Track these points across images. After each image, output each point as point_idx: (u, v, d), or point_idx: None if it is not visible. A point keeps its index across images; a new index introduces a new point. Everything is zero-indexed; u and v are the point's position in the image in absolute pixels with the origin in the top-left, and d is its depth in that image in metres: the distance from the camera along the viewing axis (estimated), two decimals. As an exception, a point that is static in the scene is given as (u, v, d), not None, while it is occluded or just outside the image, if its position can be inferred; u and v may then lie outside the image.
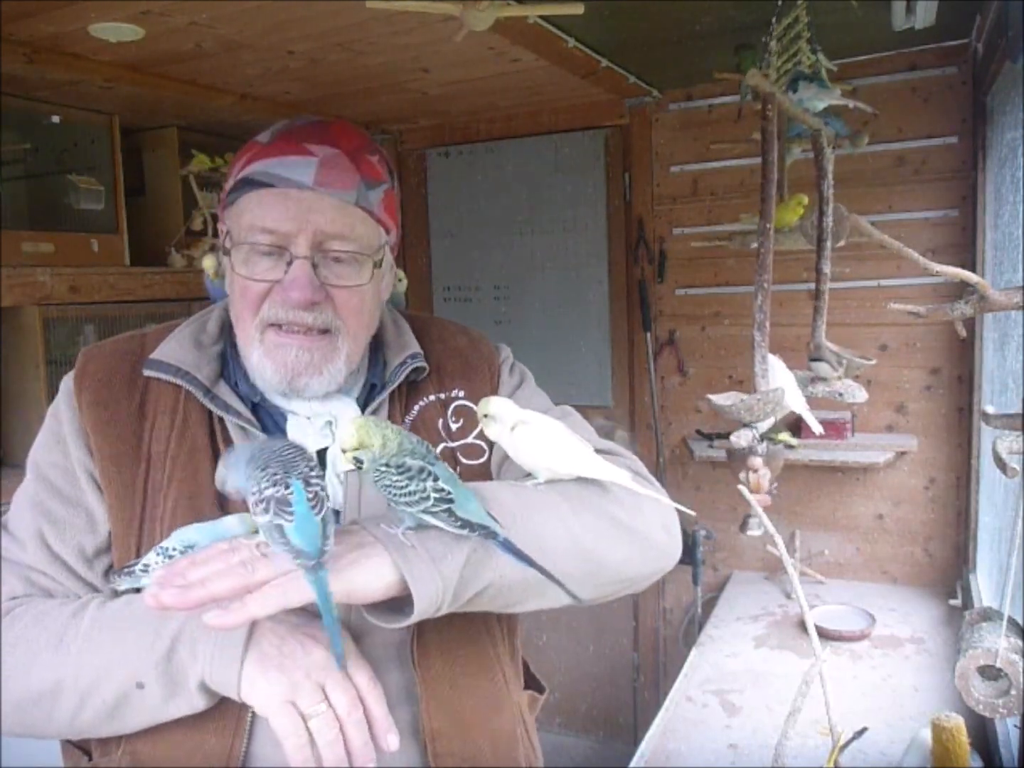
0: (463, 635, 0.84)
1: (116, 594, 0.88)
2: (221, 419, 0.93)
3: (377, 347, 1.02)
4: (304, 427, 0.94)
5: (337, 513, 0.92)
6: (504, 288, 2.79)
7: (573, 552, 0.84)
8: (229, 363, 0.97)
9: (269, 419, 0.95)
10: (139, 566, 0.85)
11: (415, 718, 0.89)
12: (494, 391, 1.05)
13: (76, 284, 2.02)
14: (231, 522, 0.84)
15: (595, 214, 2.64)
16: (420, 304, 2.93)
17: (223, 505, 0.89)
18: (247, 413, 0.93)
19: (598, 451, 0.96)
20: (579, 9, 1.48)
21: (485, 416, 0.88)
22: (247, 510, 0.84)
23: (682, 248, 2.49)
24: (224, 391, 0.94)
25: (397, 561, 0.74)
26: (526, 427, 0.87)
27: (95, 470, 0.91)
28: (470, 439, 1.00)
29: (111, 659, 0.80)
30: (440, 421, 1.01)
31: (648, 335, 2.57)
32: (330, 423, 0.94)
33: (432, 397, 1.02)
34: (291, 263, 0.88)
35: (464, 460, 1.00)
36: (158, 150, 2.38)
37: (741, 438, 1.24)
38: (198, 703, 0.80)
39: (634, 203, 2.56)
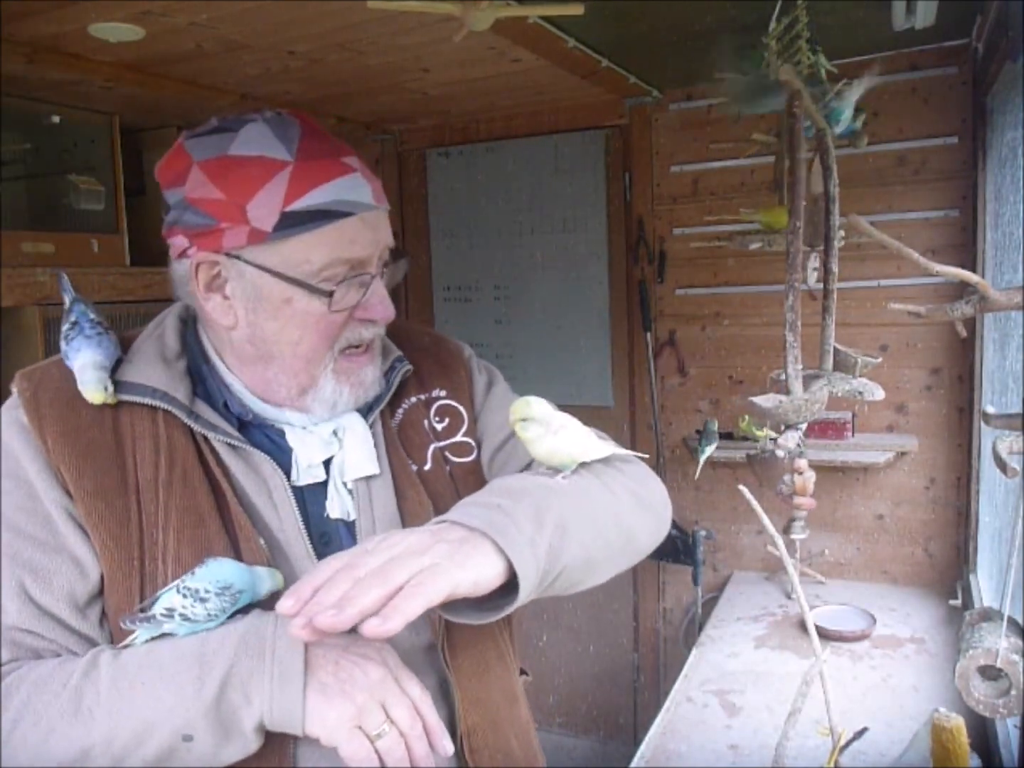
0: (480, 628, 0.82)
1: (111, 642, 0.82)
2: (205, 438, 0.88)
3: None
4: (305, 437, 0.91)
5: (352, 523, 0.92)
6: (504, 288, 2.79)
7: (618, 531, 0.90)
8: (206, 382, 0.92)
9: (260, 435, 0.92)
10: (159, 611, 0.77)
11: (449, 717, 0.90)
12: (470, 388, 1.06)
13: (76, 284, 1.99)
14: (264, 574, 0.82)
15: (595, 214, 2.64)
16: (420, 304, 2.93)
17: (230, 531, 0.84)
18: (233, 431, 0.89)
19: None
20: (579, 10, 1.48)
21: (524, 420, 0.88)
22: (255, 535, 0.85)
23: (682, 248, 2.49)
24: (203, 409, 0.89)
25: (504, 548, 0.74)
26: (566, 430, 0.90)
27: (77, 510, 0.82)
28: (459, 437, 1.01)
29: (149, 717, 0.74)
30: (425, 422, 1.00)
31: (648, 335, 2.56)
32: (335, 432, 0.92)
33: (414, 399, 1.01)
34: (367, 284, 0.88)
35: (454, 458, 1.01)
36: (158, 150, 2.38)
37: (788, 440, 1.23)
38: (252, 745, 0.77)
39: (634, 203, 2.56)
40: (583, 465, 0.92)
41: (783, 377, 1.25)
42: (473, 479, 1.00)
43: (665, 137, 2.48)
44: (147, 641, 0.79)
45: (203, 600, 0.77)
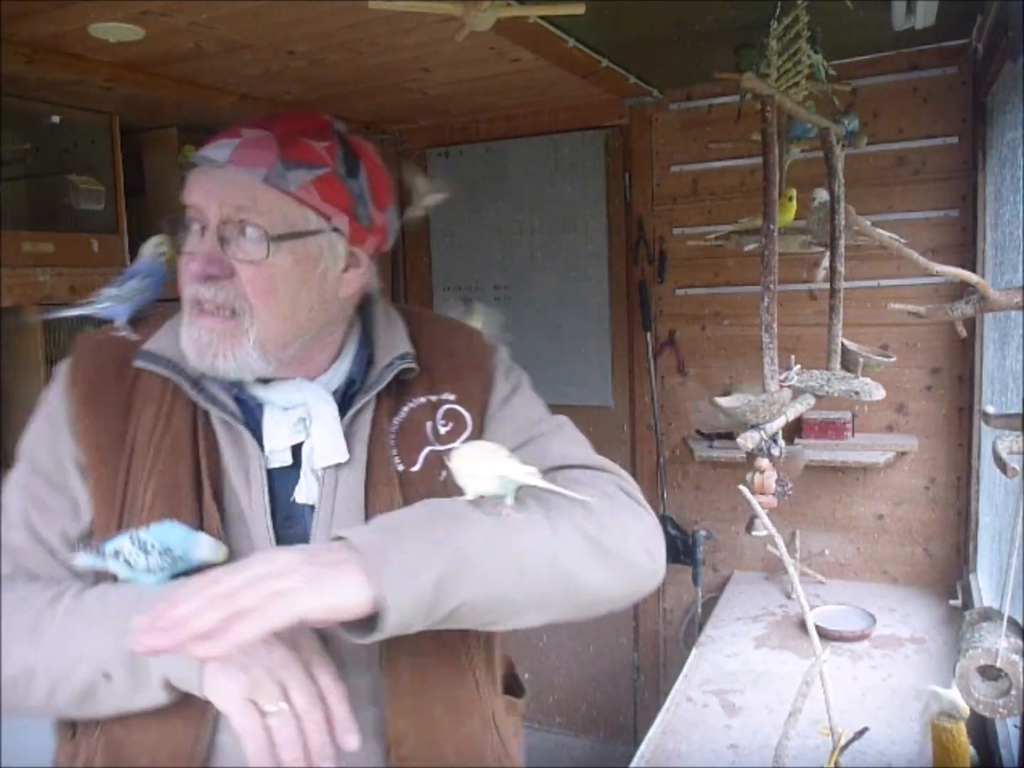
0: (434, 639, 0.83)
1: (96, 581, 0.88)
2: (206, 412, 0.92)
3: (364, 342, 1.01)
4: (279, 420, 0.94)
5: (312, 508, 0.93)
6: (504, 288, 2.79)
7: (552, 573, 0.83)
8: None
9: (249, 412, 0.94)
10: (109, 549, 0.84)
11: (381, 720, 0.89)
12: (485, 395, 1.02)
13: (76, 284, 2.02)
14: (205, 543, 0.85)
15: (595, 214, 2.64)
16: (420, 304, 2.92)
17: (199, 499, 0.89)
18: (232, 406, 0.92)
19: (585, 467, 0.95)
20: (580, 9, 1.48)
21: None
22: (214, 508, 0.89)
23: (682, 248, 2.49)
24: (210, 383, 0.93)
25: (373, 579, 0.73)
26: (456, 451, 0.85)
27: (81, 458, 0.91)
28: (456, 444, 0.97)
29: (81, 650, 0.81)
30: (429, 424, 0.98)
31: (648, 335, 2.56)
32: (303, 419, 0.94)
33: (422, 399, 0.99)
34: (191, 231, 0.90)
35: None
36: (158, 150, 2.38)
37: (748, 440, 1.23)
38: (161, 698, 0.81)
39: (634, 203, 2.56)
40: (538, 502, 0.86)
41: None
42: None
43: (665, 137, 2.48)
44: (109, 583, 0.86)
45: (146, 553, 0.82)
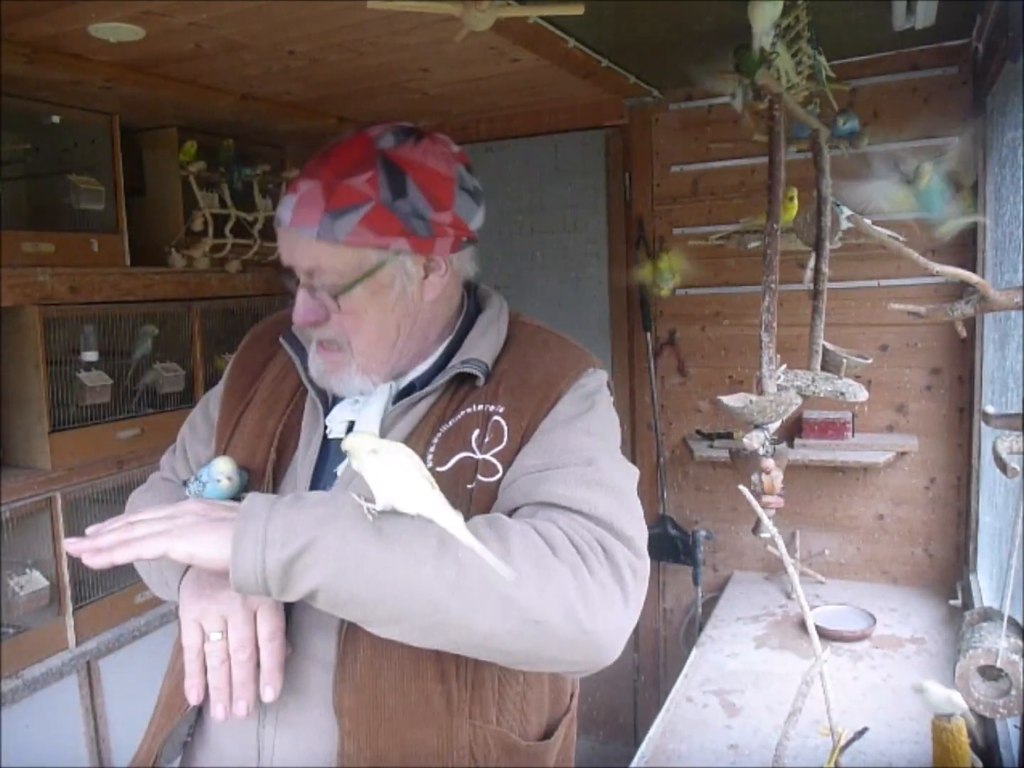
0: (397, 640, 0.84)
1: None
2: (306, 390, 1.06)
3: (451, 343, 1.06)
4: (341, 409, 1.05)
5: (334, 476, 1.02)
6: (504, 288, 2.76)
7: (424, 598, 0.80)
8: None
9: (338, 400, 1.07)
10: (194, 474, 1.06)
11: (333, 691, 0.93)
12: (539, 414, 0.99)
13: (76, 284, 2.02)
14: (233, 481, 1.02)
15: (595, 214, 2.64)
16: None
17: (269, 450, 1.05)
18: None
19: (574, 511, 0.89)
20: (579, 10, 1.48)
21: (345, 451, 0.86)
22: (282, 462, 1.05)
23: (682, 248, 2.49)
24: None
25: (233, 541, 0.80)
26: (375, 456, 0.82)
27: (221, 399, 1.14)
28: (488, 455, 0.97)
29: None
30: (476, 431, 0.98)
31: (648, 335, 2.57)
32: (357, 400, 1.04)
33: (479, 407, 1.00)
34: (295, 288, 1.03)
35: (480, 477, 0.97)
36: (158, 150, 2.38)
37: (753, 440, 1.23)
38: (174, 595, 0.97)
39: (634, 203, 2.56)
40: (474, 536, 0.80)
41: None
42: (487, 500, 0.96)
43: (665, 137, 2.48)
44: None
45: (195, 481, 1.04)
